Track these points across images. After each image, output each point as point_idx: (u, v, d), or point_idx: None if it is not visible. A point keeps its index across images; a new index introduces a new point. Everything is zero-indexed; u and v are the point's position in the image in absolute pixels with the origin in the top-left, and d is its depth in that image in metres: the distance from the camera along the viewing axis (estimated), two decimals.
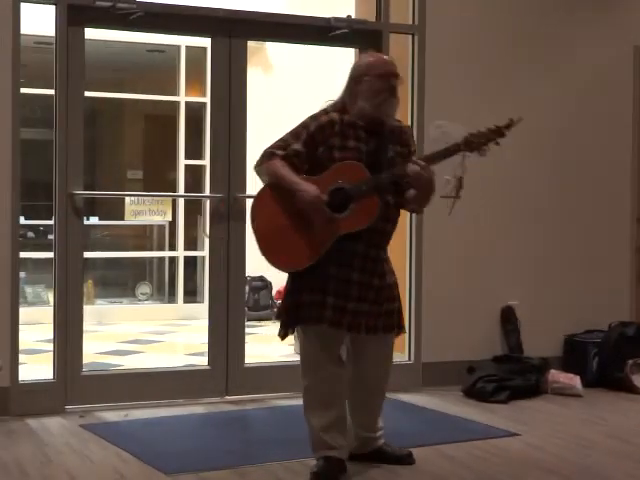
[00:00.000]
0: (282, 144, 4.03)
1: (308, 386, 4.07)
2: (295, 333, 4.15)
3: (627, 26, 6.60)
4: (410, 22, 6.08)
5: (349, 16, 5.96)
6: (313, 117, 4.06)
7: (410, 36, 6.06)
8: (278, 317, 4.15)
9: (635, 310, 6.62)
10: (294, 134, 4.04)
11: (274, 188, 4.01)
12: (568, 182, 6.47)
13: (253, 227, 4.06)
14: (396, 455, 4.31)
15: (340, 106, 4.07)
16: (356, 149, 3.98)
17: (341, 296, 3.95)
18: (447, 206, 4.19)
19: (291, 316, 4.04)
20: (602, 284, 6.54)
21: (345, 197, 3.91)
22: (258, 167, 4.07)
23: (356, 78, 4.04)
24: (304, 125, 4.04)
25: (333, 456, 4.04)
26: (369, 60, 4.13)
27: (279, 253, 4.00)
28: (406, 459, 4.30)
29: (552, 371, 6.02)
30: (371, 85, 3.99)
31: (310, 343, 4.05)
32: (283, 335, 4.10)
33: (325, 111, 4.06)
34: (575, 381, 5.96)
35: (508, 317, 6.27)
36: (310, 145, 3.98)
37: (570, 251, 6.46)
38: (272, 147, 4.05)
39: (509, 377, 5.83)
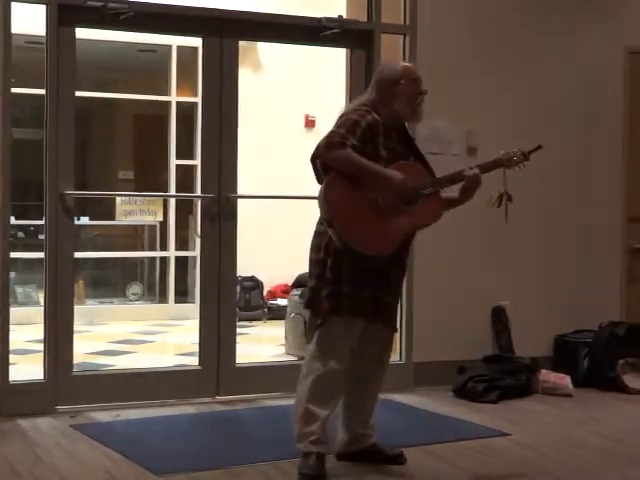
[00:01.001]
0: (342, 136, 3.99)
1: (321, 376, 4.05)
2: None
3: (618, 27, 6.62)
4: (401, 22, 6.08)
5: (340, 16, 5.96)
6: (360, 114, 4.08)
7: (401, 36, 6.07)
8: (315, 307, 4.13)
9: (625, 310, 6.64)
10: (349, 129, 4.02)
11: (345, 176, 4.00)
12: (559, 183, 6.48)
13: (331, 212, 4.00)
14: (387, 454, 4.31)
15: (372, 106, 4.14)
16: (394, 149, 4.12)
17: (382, 291, 4.08)
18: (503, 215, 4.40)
19: (332, 305, 4.03)
20: (593, 284, 6.55)
21: (413, 193, 4.04)
22: (324, 157, 4.00)
23: (393, 81, 4.14)
24: (355, 122, 4.05)
25: (320, 452, 4.05)
26: (403, 65, 4.33)
27: (361, 237, 4.00)
28: (397, 459, 4.30)
29: (543, 371, 6.03)
30: (407, 89, 4.14)
31: (340, 334, 4.06)
32: (322, 323, 4.09)
33: (368, 111, 4.11)
34: (566, 381, 5.98)
35: (499, 317, 6.28)
36: (362, 141, 4.03)
37: (561, 251, 6.48)
38: (337, 137, 3.99)
39: (500, 377, 5.84)
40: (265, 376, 5.81)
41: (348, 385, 4.20)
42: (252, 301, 9.32)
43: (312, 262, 4.15)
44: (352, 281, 4.01)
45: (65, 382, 5.32)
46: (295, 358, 6.84)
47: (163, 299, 9.64)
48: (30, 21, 5.61)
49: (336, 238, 3.99)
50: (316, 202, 4.06)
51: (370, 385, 4.29)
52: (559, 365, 6.26)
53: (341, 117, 4.11)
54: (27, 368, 5.91)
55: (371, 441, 4.31)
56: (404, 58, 5.99)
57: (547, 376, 6.00)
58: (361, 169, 3.98)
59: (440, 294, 6.08)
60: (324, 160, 4.02)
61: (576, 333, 6.39)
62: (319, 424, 4.05)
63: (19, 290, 9.07)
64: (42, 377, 5.30)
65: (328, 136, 4.02)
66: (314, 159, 4.06)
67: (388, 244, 4.03)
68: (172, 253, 9.58)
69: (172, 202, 9.64)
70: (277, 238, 9.00)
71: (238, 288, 8.38)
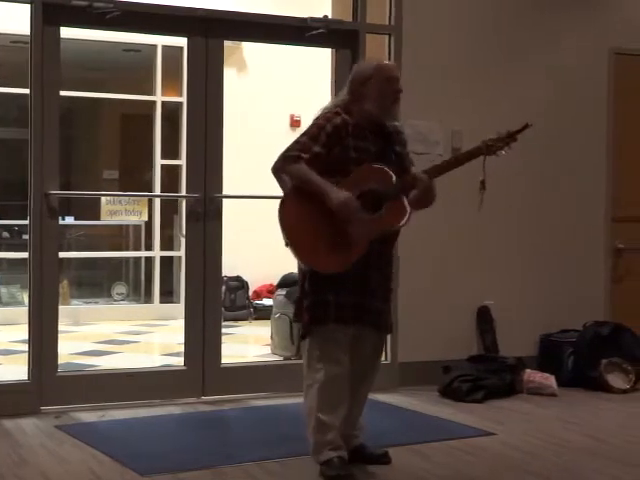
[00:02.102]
0: (303, 147, 4.00)
1: (321, 386, 4.03)
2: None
3: (603, 29, 6.64)
4: (387, 22, 6.09)
5: (325, 16, 5.97)
6: (326, 118, 4.06)
7: (387, 36, 6.08)
8: (298, 319, 4.12)
9: (610, 310, 6.66)
10: (312, 136, 4.01)
11: (300, 191, 3.99)
12: (543, 182, 6.50)
13: (286, 231, 3.96)
14: (372, 454, 4.31)
15: (344, 107, 4.10)
16: (366, 150, 4.05)
17: (364, 295, 4.02)
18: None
19: (315, 315, 4.01)
20: (577, 284, 6.58)
21: (376, 198, 3.96)
22: (280, 169, 4.02)
23: (363, 80, 4.09)
24: (319, 126, 4.03)
25: (340, 456, 4.04)
26: (376, 63, 4.21)
27: (319, 255, 3.97)
28: (382, 458, 4.30)
29: (527, 371, 6.05)
30: (379, 88, 4.06)
31: (332, 341, 4.03)
32: (305, 335, 4.08)
33: (336, 112, 4.07)
34: (550, 380, 5.99)
35: (484, 317, 6.30)
36: (327, 146, 3.99)
37: (545, 251, 6.50)
38: (294, 150, 4.01)
39: (485, 377, 5.85)
40: (251, 376, 5.81)
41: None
42: (237, 301, 9.31)
43: (298, 271, 4.18)
44: (334, 289, 3.97)
45: (50, 382, 5.30)
46: (281, 358, 6.84)
47: (148, 299, 9.62)
48: (15, 20, 5.60)
49: (294, 256, 3.99)
50: None
51: (361, 387, 4.25)
52: (544, 365, 6.28)
53: (316, 119, 4.10)
54: (11, 368, 5.90)
55: (357, 441, 4.30)
56: (389, 58, 6.01)
57: (532, 376, 6.01)
58: (310, 186, 3.95)
59: (425, 294, 6.08)
60: (284, 174, 4.02)
61: (561, 333, 6.41)
62: (335, 432, 4.04)
63: (3, 290, 9.05)
64: (26, 377, 5.29)
65: (287, 149, 4.03)
66: (274, 173, 4.05)
67: (345, 258, 3.94)
68: (157, 253, 9.56)
69: (157, 202, 9.62)
70: (262, 238, 8.94)
71: (223, 288, 8.35)
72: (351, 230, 3.93)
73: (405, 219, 4.00)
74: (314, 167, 3.97)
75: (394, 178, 4.00)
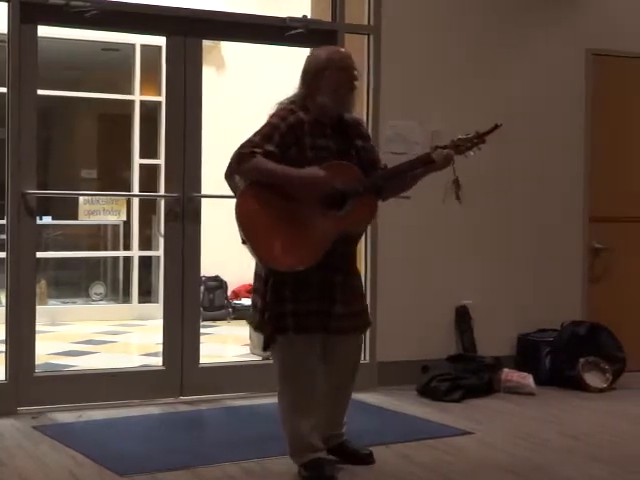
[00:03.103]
0: (254, 145, 3.84)
1: (292, 393, 4.00)
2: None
3: (580, 29, 6.67)
4: (366, 22, 6.10)
5: (305, 16, 5.97)
6: (280, 117, 3.91)
7: (366, 36, 6.08)
8: (260, 329, 4.02)
9: (587, 309, 6.70)
10: (264, 135, 3.86)
11: (257, 189, 3.84)
12: (521, 183, 6.52)
13: (242, 229, 3.82)
14: (356, 453, 4.27)
15: (300, 103, 3.95)
16: (326, 147, 3.91)
17: (326, 301, 3.92)
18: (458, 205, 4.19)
19: (275, 326, 3.92)
20: (555, 284, 6.61)
21: (340, 197, 3.84)
22: (235, 171, 3.87)
23: (316, 72, 3.93)
24: (273, 126, 3.89)
25: (319, 457, 4.03)
26: (328, 53, 4.01)
27: (275, 254, 3.83)
28: (366, 458, 4.27)
29: (505, 370, 6.07)
30: (333, 79, 3.89)
31: (294, 350, 3.96)
32: (267, 346, 4.00)
33: (291, 110, 3.93)
34: (528, 380, 6.02)
35: (462, 317, 6.32)
36: (281, 146, 3.85)
37: (523, 251, 6.52)
38: (246, 147, 3.85)
39: (463, 376, 5.87)
40: (229, 376, 5.80)
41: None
42: (216, 301, 9.30)
43: (256, 276, 4.05)
44: (295, 298, 3.88)
45: (27, 383, 5.27)
46: (259, 358, 6.82)
47: (126, 299, 9.59)
48: None
49: (252, 255, 3.86)
50: None
51: (342, 388, 4.21)
52: (522, 364, 6.31)
53: (270, 117, 3.94)
54: None
55: (340, 440, 4.27)
56: (368, 58, 6.02)
57: (510, 375, 6.04)
58: (272, 176, 3.80)
59: (404, 294, 6.10)
60: (238, 174, 3.87)
61: (539, 332, 6.43)
62: (311, 434, 4.01)
63: None
64: (4, 378, 5.25)
65: (238, 148, 3.86)
66: (228, 176, 3.90)
67: (308, 255, 3.80)
68: (136, 253, 9.53)
69: (135, 201, 9.60)
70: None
71: (202, 288, 8.35)
72: (314, 226, 3.81)
73: (369, 217, 3.92)
74: None
75: (359, 174, 3.89)
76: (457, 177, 4.09)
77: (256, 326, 4.07)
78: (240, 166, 3.85)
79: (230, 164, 3.89)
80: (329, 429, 4.23)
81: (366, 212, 3.92)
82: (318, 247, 3.82)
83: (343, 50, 4.15)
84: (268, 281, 3.93)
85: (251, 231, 3.82)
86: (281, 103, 4.00)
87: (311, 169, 3.81)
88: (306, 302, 3.89)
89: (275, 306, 3.91)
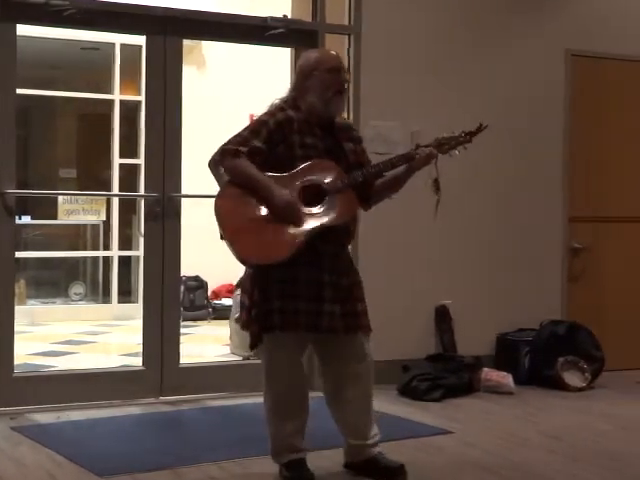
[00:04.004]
0: (241, 140, 3.87)
1: (278, 393, 3.98)
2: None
3: (559, 30, 6.70)
4: (346, 22, 6.10)
5: (285, 16, 5.96)
6: (269, 114, 3.93)
7: (346, 36, 6.09)
8: (246, 327, 3.98)
9: (566, 309, 6.73)
10: (253, 131, 3.88)
11: (236, 186, 3.86)
12: (500, 182, 6.54)
13: (220, 225, 3.83)
14: (387, 467, 4.07)
15: (291, 102, 3.97)
16: (314, 146, 3.91)
17: (314, 300, 3.87)
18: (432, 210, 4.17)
19: (262, 325, 3.89)
20: (534, 283, 6.63)
21: (318, 193, 3.83)
22: (219, 164, 3.88)
23: (305, 73, 3.95)
24: (262, 122, 3.91)
25: (301, 458, 4.01)
26: (318, 55, 4.08)
27: (252, 248, 3.82)
28: (398, 472, 4.06)
29: (485, 369, 6.09)
30: (321, 80, 3.91)
31: (281, 349, 3.94)
32: (254, 345, 3.97)
33: (281, 108, 3.95)
34: (507, 379, 6.04)
35: (442, 316, 6.33)
36: (269, 143, 3.86)
37: (503, 251, 6.55)
38: (232, 144, 3.87)
39: (443, 376, 5.89)
40: (209, 376, 5.79)
41: (327, 399, 4.12)
42: (196, 301, 9.28)
43: (244, 274, 4.04)
44: (281, 296, 3.85)
45: (6, 383, 5.25)
46: (240, 358, 6.83)
47: (106, 299, 9.56)
48: None
49: (230, 250, 3.84)
50: None
51: (344, 393, 4.07)
52: (501, 364, 6.32)
53: (261, 114, 3.98)
54: None
55: (371, 452, 4.09)
56: (348, 59, 6.02)
57: (489, 374, 6.06)
58: (251, 182, 3.82)
59: (384, 294, 6.09)
60: (210, 167, 3.90)
61: (518, 332, 6.46)
62: (293, 435, 3.99)
63: None
64: None
65: (225, 143, 3.88)
66: (212, 166, 3.91)
67: (283, 250, 3.78)
68: (115, 253, 9.50)
69: (115, 201, 9.56)
70: None
71: (182, 288, 8.34)
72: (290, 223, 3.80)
73: (348, 213, 3.89)
74: (254, 161, 3.84)
75: (338, 172, 3.88)
76: (437, 177, 4.09)
77: (242, 325, 4.03)
78: (222, 162, 3.87)
79: (214, 156, 3.91)
80: (349, 438, 4.12)
81: (344, 208, 3.89)
82: (292, 242, 3.79)
83: (334, 52, 4.14)
84: (255, 279, 3.92)
85: (227, 227, 3.83)
86: (272, 105, 4.02)
87: (287, 196, 3.80)
88: (293, 299, 3.86)
89: (262, 304, 3.89)
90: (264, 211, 3.83)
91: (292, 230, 3.81)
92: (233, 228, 3.83)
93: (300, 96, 3.96)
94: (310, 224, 3.83)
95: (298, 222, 3.81)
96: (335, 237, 3.93)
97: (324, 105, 3.93)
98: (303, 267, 3.85)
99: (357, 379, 4.09)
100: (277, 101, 4.03)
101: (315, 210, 3.86)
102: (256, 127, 3.91)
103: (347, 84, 4.04)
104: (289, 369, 3.99)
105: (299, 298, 3.87)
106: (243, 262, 3.91)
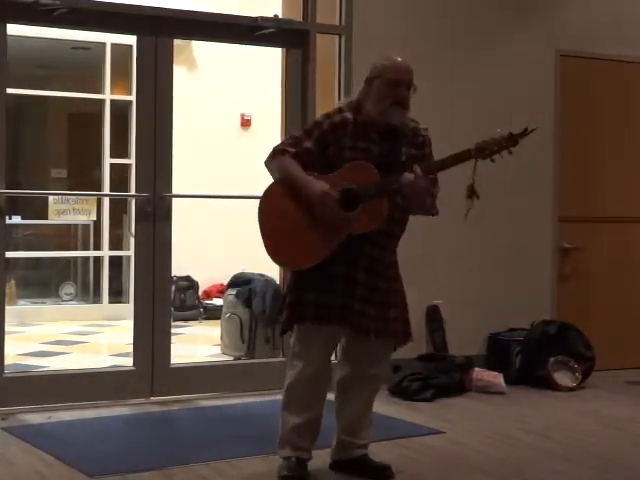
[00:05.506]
0: (294, 141, 3.97)
1: (292, 384, 4.00)
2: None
3: (549, 31, 6.71)
4: (337, 23, 6.10)
5: (276, 16, 5.96)
6: (327, 115, 4.00)
7: (337, 36, 6.09)
8: (280, 314, 4.06)
9: (557, 309, 6.74)
10: (306, 132, 3.99)
11: (283, 185, 3.93)
12: (490, 182, 6.51)
13: (261, 225, 3.93)
14: (375, 467, 4.13)
15: (355, 105, 4.01)
16: (367, 150, 3.92)
17: (346, 295, 3.90)
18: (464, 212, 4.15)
19: (294, 313, 3.95)
20: (525, 283, 6.64)
21: (355, 197, 3.85)
22: (269, 163, 3.98)
23: (369, 79, 4.00)
24: (317, 123, 4.01)
25: (298, 456, 4.00)
26: (385, 63, 4.05)
27: (286, 252, 3.92)
28: (383, 472, 4.11)
29: (476, 369, 6.10)
30: (379, 90, 3.93)
31: (309, 343, 3.97)
32: (284, 331, 4.05)
33: (339, 109, 4.01)
34: (498, 379, 6.05)
35: (433, 316, 6.33)
36: (321, 143, 3.92)
37: (493, 251, 6.55)
38: (284, 144, 3.99)
39: (434, 375, 5.89)
40: (200, 376, 5.78)
41: (336, 391, 4.15)
42: (187, 301, 9.27)
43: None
44: (316, 289, 3.90)
45: None
46: (231, 358, 6.83)
47: (97, 299, 9.54)
48: None
49: (264, 247, 3.92)
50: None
51: (354, 393, 4.11)
52: (492, 363, 6.33)
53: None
54: None
55: (359, 452, 4.14)
56: (339, 58, 6.02)
57: (480, 374, 6.07)
58: (291, 179, 3.90)
59: None
60: (266, 167, 3.99)
61: (509, 332, 6.47)
62: (298, 431, 3.99)
63: None
64: None
65: (280, 142, 4.02)
66: (267, 164, 4.01)
67: (311, 258, 3.85)
68: (106, 253, 9.48)
69: (106, 201, 9.54)
70: (212, 238, 8.96)
71: (173, 288, 8.32)
72: (325, 225, 3.84)
73: (375, 221, 3.87)
74: (301, 162, 3.90)
75: (376, 176, 3.85)
76: (473, 184, 4.04)
77: (277, 311, 4.15)
78: (270, 161, 3.98)
79: (268, 156, 3.99)
80: (345, 435, 4.15)
81: (373, 215, 3.87)
82: (321, 248, 3.86)
83: (403, 64, 4.09)
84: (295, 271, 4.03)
85: (265, 226, 3.93)
86: (339, 103, 4.15)
87: (323, 186, 3.81)
88: (328, 294, 3.90)
89: (296, 292, 3.95)
90: (303, 212, 3.87)
91: (328, 233, 3.85)
92: (270, 228, 3.93)
93: (364, 100, 4.00)
94: (340, 229, 3.84)
95: (332, 215, 3.82)
96: (372, 239, 3.93)
97: (379, 114, 3.94)
98: (340, 264, 3.89)
99: (369, 382, 4.15)
100: (344, 101, 4.12)
101: (349, 214, 3.85)
102: (310, 128, 4.02)
103: (406, 99, 3.98)
104: (309, 362, 3.97)
105: (334, 293, 3.90)
106: (275, 262, 4.02)
